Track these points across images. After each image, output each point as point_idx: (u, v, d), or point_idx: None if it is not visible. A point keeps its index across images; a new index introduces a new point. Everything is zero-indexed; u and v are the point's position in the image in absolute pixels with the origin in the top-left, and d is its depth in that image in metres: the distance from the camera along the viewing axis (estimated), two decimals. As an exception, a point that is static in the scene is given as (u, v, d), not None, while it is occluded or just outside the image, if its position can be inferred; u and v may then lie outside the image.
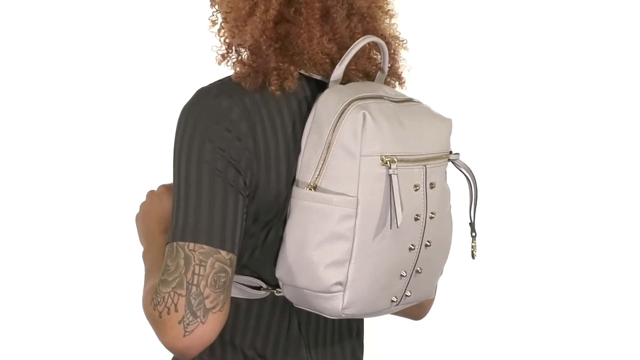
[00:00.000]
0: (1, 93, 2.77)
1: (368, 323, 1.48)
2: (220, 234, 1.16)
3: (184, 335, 1.16)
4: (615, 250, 2.87)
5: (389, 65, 1.27)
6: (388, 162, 1.12)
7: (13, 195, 2.77)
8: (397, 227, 1.12)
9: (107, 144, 2.77)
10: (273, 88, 1.19)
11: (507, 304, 2.83)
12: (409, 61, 1.33)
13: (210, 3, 1.27)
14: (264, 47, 1.19)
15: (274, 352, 1.27)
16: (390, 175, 1.12)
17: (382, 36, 1.25)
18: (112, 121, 2.77)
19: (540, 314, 2.86)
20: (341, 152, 1.13)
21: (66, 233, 2.76)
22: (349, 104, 1.14)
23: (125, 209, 2.66)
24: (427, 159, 1.17)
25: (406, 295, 1.18)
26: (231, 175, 1.17)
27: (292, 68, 1.20)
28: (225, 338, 1.28)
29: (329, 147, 1.13)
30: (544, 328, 2.86)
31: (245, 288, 1.25)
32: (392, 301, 1.17)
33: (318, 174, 1.14)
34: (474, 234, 1.24)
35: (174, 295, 1.17)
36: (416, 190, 1.15)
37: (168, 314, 1.16)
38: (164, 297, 1.17)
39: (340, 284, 1.14)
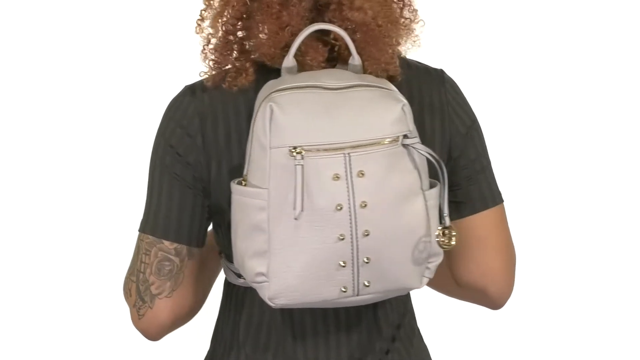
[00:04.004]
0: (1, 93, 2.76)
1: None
2: (164, 225, 1.24)
3: (139, 319, 1.28)
4: (615, 250, 2.86)
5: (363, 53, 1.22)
6: (295, 153, 1.12)
7: (13, 196, 2.76)
8: (296, 218, 1.12)
9: (107, 144, 2.77)
10: (225, 85, 1.22)
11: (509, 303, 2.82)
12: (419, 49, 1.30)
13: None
14: (223, 45, 1.23)
15: (254, 342, 1.31)
16: (295, 166, 1.12)
17: (367, 23, 1.20)
18: (112, 121, 2.77)
19: (540, 314, 2.86)
20: (257, 145, 1.14)
21: (66, 233, 2.76)
22: (267, 97, 1.14)
23: (124, 208, 2.67)
24: (354, 147, 1.13)
25: (365, 285, 1.15)
26: (178, 170, 1.24)
27: (247, 64, 1.22)
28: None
29: (251, 141, 1.15)
30: (544, 328, 2.86)
31: (233, 276, 1.31)
32: (343, 291, 1.15)
33: (247, 168, 1.16)
34: (442, 223, 1.17)
35: (129, 281, 1.28)
36: (336, 179, 1.12)
37: (127, 297, 1.29)
38: (125, 282, 1.29)
39: (263, 274, 1.16)
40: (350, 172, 1.13)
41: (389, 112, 1.14)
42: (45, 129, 2.77)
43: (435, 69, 1.32)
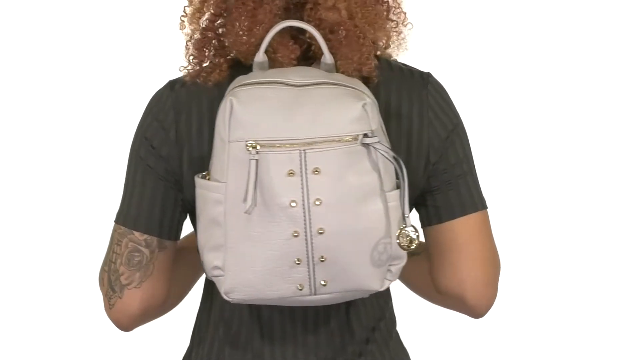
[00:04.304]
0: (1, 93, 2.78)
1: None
2: (135, 216, 1.26)
3: (110, 308, 1.29)
4: (615, 250, 2.84)
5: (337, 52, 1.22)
6: (252, 148, 1.12)
7: (13, 196, 2.78)
8: (249, 213, 1.12)
9: (107, 145, 2.77)
10: (200, 80, 1.24)
11: (507, 304, 2.81)
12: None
13: None
14: (201, 41, 1.24)
15: (224, 337, 1.32)
16: (249, 160, 1.12)
17: (342, 23, 1.20)
18: (112, 121, 2.77)
19: (539, 315, 2.84)
20: (218, 139, 1.15)
21: (66, 233, 2.77)
22: (230, 91, 1.15)
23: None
24: (310, 144, 1.12)
25: (322, 285, 1.15)
26: (152, 162, 1.26)
27: (222, 60, 1.24)
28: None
29: (214, 135, 1.16)
30: (543, 328, 2.84)
31: None
32: (299, 289, 1.15)
33: (211, 163, 1.17)
34: (403, 225, 1.15)
35: (102, 272, 1.30)
36: (291, 175, 1.12)
37: (101, 287, 1.30)
38: (100, 272, 1.31)
39: (219, 268, 1.16)
40: (305, 169, 1.12)
41: (348, 110, 1.13)
42: (41, 128, 2.78)
43: (422, 72, 1.30)
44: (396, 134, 1.25)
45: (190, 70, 1.26)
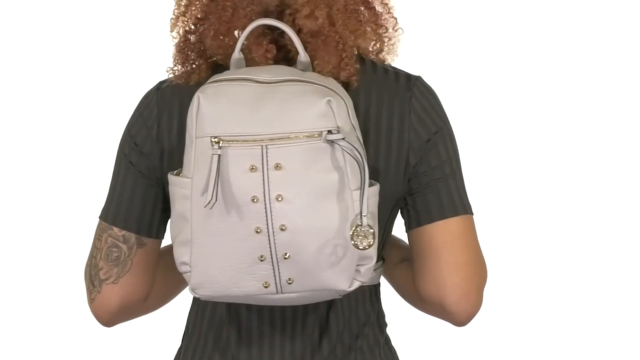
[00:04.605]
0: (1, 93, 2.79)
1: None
2: (114, 212, 1.28)
3: (91, 302, 1.31)
4: (615, 250, 2.82)
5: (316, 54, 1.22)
6: (215, 143, 1.13)
7: (13, 196, 2.79)
8: (210, 208, 1.12)
9: (108, 145, 2.76)
10: (181, 81, 1.26)
11: (508, 303, 2.81)
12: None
13: None
14: (183, 43, 1.27)
15: (197, 338, 1.33)
16: (212, 155, 1.13)
17: (320, 30, 1.21)
18: (113, 122, 2.77)
19: (539, 315, 2.81)
20: (187, 135, 1.16)
21: (66, 233, 2.77)
22: (200, 88, 1.16)
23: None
24: (272, 139, 1.12)
25: (287, 283, 1.14)
26: (134, 158, 1.28)
27: (201, 61, 1.26)
28: None
29: (185, 133, 1.17)
30: (544, 328, 2.81)
31: None
32: (265, 286, 1.15)
33: (183, 160, 1.18)
34: (358, 224, 1.12)
35: (85, 266, 1.32)
36: (253, 171, 1.12)
37: (85, 281, 1.32)
38: (84, 266, 1.32)
39: (186, 263, 1.17)
40: (267, 165, 1.12)
41: (312, 106, 1.13)
42: (46, 129, 2.80)
43: (409, 76, 1.29)
44: (376, 136, 1.24)
45: (175, 71, 1.28)
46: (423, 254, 1.26)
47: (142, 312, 1.36)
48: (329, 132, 1.12)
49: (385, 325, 1.37)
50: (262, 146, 1.12)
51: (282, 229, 1.12)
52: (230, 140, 1.13)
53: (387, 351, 1.35)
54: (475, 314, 1.28)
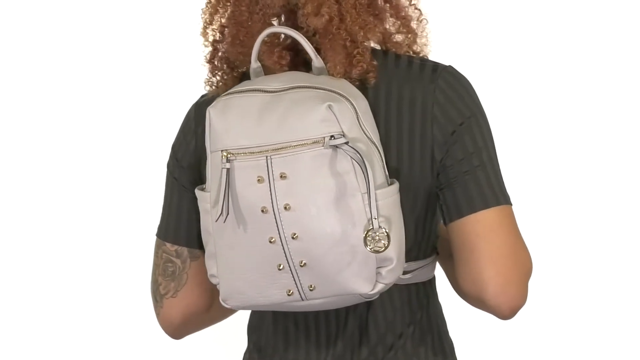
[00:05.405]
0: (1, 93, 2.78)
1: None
2: (165, 228, 1.33)
3: (157, 317, 1.36)
4: (615, 250, 2.78)
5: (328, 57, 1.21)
6: (224, 157, 1.14)
7: (13, 196, 2.77)
8: (223, 221, 1.14)
9: (109, 145, 2.76)
10: (215, 93, 1.27)
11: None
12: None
13: None
14: (212, 54, 1.29)
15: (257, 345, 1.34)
16: (222, 169, 1.14)
17: (327, 28, 1.19)
18: (114, 122, 2.76)
19: (539, 315, 2.77)
20: (206, 150, 1.19)
21: (66, 233, 2.76)
22: (214, 103, 1.18)
23: (126, 209, 2.65)
24: (276, 149, 1.13)
25: (310, 289, 1.15)
26: (176, 173, 1.32)
27: (228, 70, 1.28)
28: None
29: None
30: (543, 328, 2.79)
31: None
32: (289, 294, 1.16)
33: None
34: (370, 227, 1.11)
35: (150, 282, 1.37)
36: (260, 182, 1.13)
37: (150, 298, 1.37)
38: (150, 284, 1.37)
39: (215, 276, 1.20)
40: (272, 175, 1.13)
41: (312, 113, 1.13)
42: (47, 129, 2.76)
43: (436, 66, 1.25)
44: (397, 134, 1.22)
45: (211, 83, 1.30)
46: (459, 249, 1.23)
47: (207, 323, 1.39)
48: (332, 137, 1.12)
49: (442, 323, 1.34)
50: (266, 157, 1.14)
51: (294, 238, 1.13)
52: (237, 153, 1.15)
53: (437, 349, 1.32)
54: (519, 306, 1.24)
